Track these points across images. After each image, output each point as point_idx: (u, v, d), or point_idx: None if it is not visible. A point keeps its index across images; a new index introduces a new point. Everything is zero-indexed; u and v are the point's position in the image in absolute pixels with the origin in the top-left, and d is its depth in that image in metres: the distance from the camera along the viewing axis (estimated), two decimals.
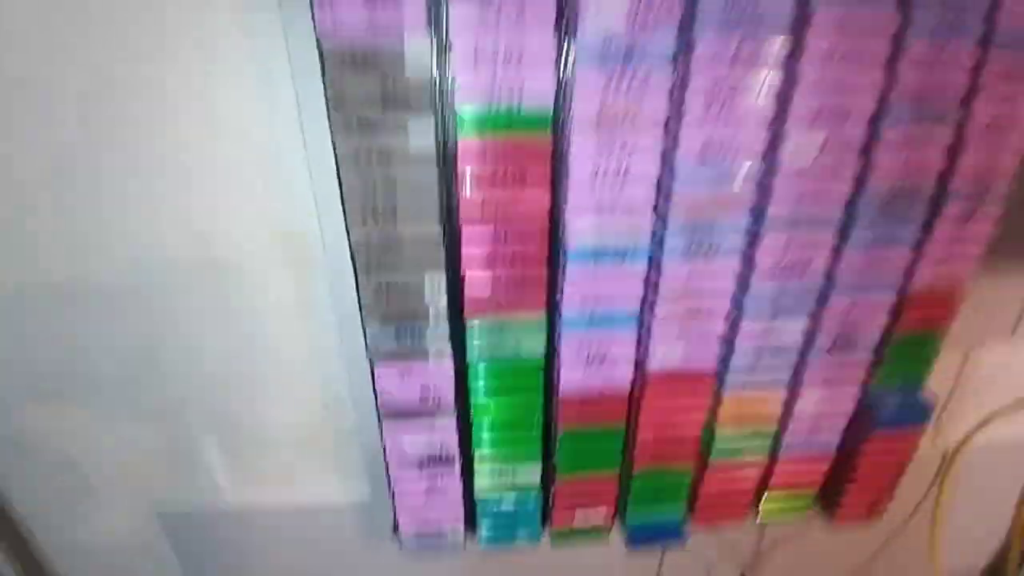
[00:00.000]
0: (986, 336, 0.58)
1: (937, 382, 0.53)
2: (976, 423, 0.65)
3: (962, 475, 0.68)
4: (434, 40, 0.34)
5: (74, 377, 0.49)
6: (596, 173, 0.37)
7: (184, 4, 0.36)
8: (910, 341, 0.49)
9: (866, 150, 0.40)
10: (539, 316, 0.42)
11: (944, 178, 0.42)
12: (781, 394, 0.50)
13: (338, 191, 0.37)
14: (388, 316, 0.41)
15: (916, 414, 0.53)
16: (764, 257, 0.42)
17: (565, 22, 0.34)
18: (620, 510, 0.54)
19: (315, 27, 0.32)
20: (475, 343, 0.43)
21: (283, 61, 0.36)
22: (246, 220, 0.43)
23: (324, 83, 0.34)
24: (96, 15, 0.36)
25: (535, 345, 0.43)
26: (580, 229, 0.39)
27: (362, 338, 0.42)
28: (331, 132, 0.35)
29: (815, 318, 0.46)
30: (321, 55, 0.33)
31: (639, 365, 0.46)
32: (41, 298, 0.45)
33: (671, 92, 0.36)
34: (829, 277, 0.44)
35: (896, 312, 0.47)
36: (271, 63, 0.37)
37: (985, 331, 0.58)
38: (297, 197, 0.42)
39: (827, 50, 0.36)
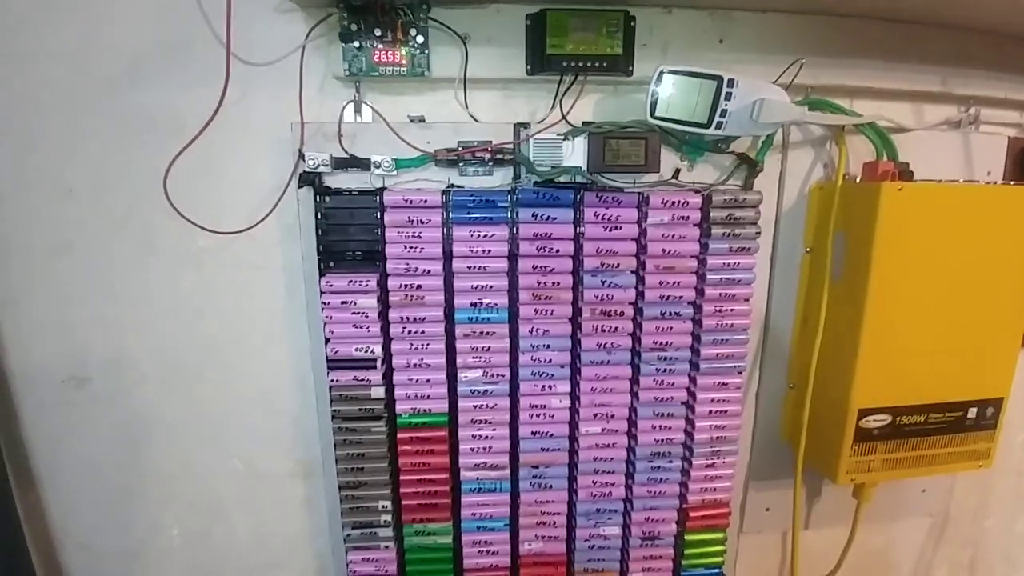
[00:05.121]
0: None
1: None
2: None
3: None
4: (384, 384, 0.66)
5: None
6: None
7: None
8: (701, 536, 0.75)
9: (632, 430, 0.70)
10: (447, 523, 0.71)
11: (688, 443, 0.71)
12: None
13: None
14: (357, 524, 0.70)
15: None
16: (582, 491, 0.71)
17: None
18: None
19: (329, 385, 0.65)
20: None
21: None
22: None
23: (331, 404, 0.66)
24: None
25: (446, 540, 0.71)
26: (466, 477, 0.69)
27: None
28: (332, 431, 0.66)
29: (625, 525, 0.73)
30: (331, 398, 0.66)
31: (514, 550, 0.72)
32: None
33: None
34: (627, 499, 0.72)
35: (682, 519, 0.74)
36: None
37: None
38: None
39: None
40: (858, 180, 0.68)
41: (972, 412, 0.68)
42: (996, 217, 0.64)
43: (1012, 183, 0.70)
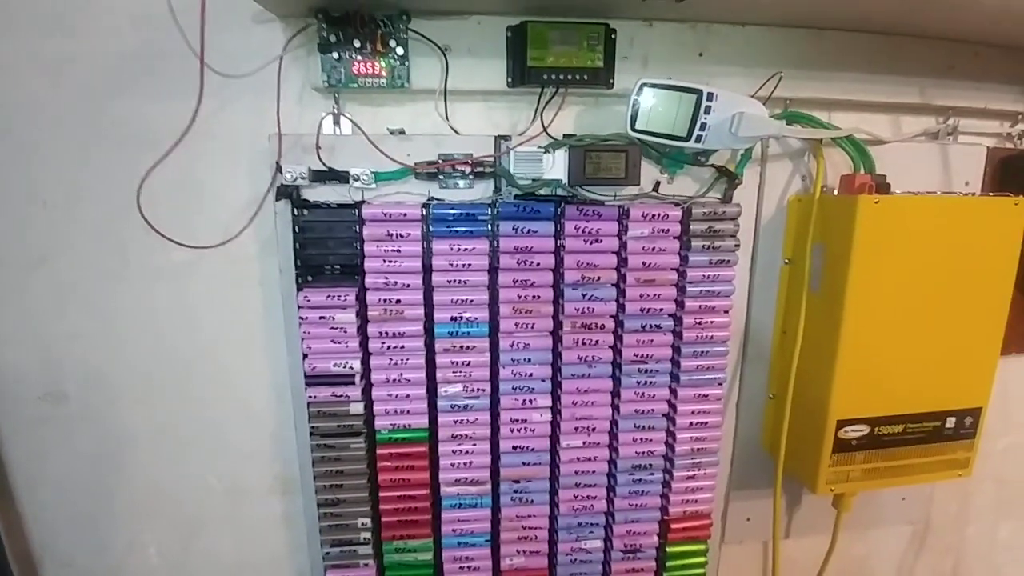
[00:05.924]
0: None
1: None
2: None
3: None
4: (363, 400, 0.65)
5: None
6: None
7: None
8: (683, 548, 0.75)
9: (613, 443, 0.70)
10: (427, 539, 0.70)
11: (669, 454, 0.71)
12: None
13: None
14: (335, 542, 0.69)
15: None
16: (563, 505, 0.70)
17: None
18: None
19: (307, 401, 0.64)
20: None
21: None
22: None
23: (310, 420, 0.65)
24: None
25: (427, 556, 0.70)
26: (447, 493, 0.68)
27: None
28: (311, 448, 0.65)
29: (607, 538, 0.73)
30: (309, 415, 0.65)
31: (495, 566, 0.72)
32: None
33: None
34: (608, 512, 0.72)
35: (663, 531, 0.73)
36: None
37: None
38: None
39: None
40: (836, 192, 0.69)
41: (951, 422, 0.69)
42: (972, 228, 0.64)
43: (990, 194, 0.70)
